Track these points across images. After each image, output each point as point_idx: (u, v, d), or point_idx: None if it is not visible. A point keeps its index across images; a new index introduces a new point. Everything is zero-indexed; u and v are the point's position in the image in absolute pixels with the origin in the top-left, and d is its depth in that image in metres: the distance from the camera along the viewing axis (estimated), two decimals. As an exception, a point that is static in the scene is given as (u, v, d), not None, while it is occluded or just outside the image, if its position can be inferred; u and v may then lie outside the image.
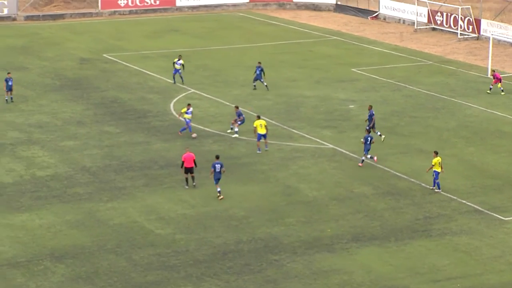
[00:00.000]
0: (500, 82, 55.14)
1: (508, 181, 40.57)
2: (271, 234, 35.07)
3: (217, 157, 39.03)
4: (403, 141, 46.49)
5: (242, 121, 46.77)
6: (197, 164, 39.81)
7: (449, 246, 34.10)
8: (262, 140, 44.20)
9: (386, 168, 42.28)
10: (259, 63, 56.38)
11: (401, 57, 65.96)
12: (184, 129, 46.97)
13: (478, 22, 71.00)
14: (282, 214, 37.02)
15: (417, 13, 75.69)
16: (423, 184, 40.18)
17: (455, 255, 33.36)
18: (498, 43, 66.94)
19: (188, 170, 39.45)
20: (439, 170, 39.20)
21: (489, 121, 49.92)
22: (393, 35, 73.58)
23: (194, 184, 39.63)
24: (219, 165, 38.53)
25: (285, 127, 48.56)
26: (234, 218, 36.62)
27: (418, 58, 65.49)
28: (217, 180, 38.61)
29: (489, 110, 51.95)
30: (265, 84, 55.81)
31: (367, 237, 34.89)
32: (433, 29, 74.88)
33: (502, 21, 70.57)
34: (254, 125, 44.17)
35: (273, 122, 49.29)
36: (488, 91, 55.13)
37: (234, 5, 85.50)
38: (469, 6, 72.89)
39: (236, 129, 46.77)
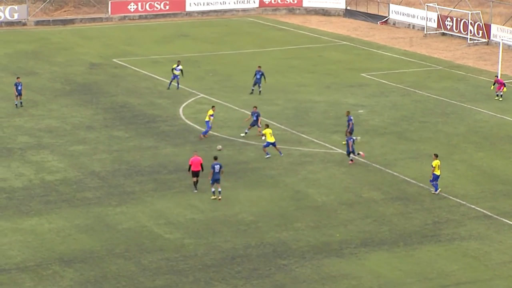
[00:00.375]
0: (505, 86, 54.88)
1: (518, 186, 40.49)
2: (280, 239, 35.06)
3: (215, 158, 39.28)
4: (412, 146, 46.43)
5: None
6: (206, 168, 39.83)
7: (458, 251, 34.02)
8: (271, 147, 44.20)
9: (396, 173, 42.23)
10: (259, 67, 56.43)
11: (410, 62, 65.91)
12: (206, 131, 47.32)
13: (488, 27, 70.90)
14: (291, 219, 37.01)
15: (426, 18, 75.62)
16: (431, 190, 40.08)
17: (464, 260, 33.28)
18: (508, 48, 66.82)
19: (195, 174, 39.53)
20: (438, 173, 39.22)
21: (499, 127, 49.80)
22: (403, 40, 73.54)
23: (195, 190, 39.68)
24: (218, 165, 38.72)
25: (294, 132, 48.54)
26: (242, 223, 36.63)
27: (428, 63, 65.42)
28: (216, 180, 38.82)
29: (499, 115, 51.83)
30: (260, 90, 55.80)
31: (376, 242, 34.84)
32: (443, 34, 74.79)
33: (512, 26, 70.52)
34: (264, 133, 44.23)
35: (282, 127, 49.30)
36: (498, 98, 54.91)
37: (244, 10, 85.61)
38: (479, 11, 72.78)
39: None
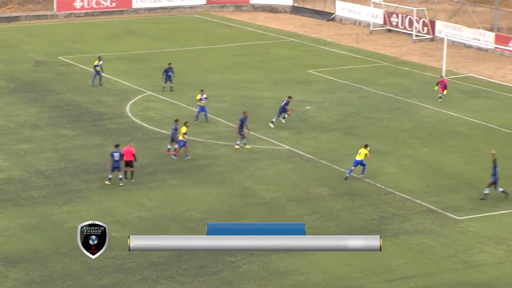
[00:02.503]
0: (445, 89, 53.55)
1: (462, 181, 40.94)
2: (227, 236, 35.02)
3: (116, 146, 39.92)
4: (359, 142, 46.62)
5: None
6: (146, 162, 39.76)
7: (404, 245, 34.34)
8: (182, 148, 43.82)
9: (342, 169, 42.45)
10: (170, 64, 56.49)
11: (357, 59, 66.30)
12: (198, 116, 49.18)
13: (433, 24, 71.61)
14: (239, 216, 37.05)
15: (372, 14, 76.14)
16: (378, 185, 40.44)
17: (410, 254, 33.61)
18: (452, 44, 67.55)
19: (128, 164, 40.03)
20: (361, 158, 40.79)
21: (444, 122, 50.34)
22: (349, 37, 73.95)
23: (132, 180, 40.01)
24: (117, 153, 39.25)
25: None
26: (190, 220, 36.58)
27: (374, 60, 65.89)
28: (115, 168, 39.44)
29: (443, 111, 52.37)
30: (171, 85, 55.83)
31: (323, 238, 34.93)
32: (389, 30, 75.38)
33: (456, 23, 71.26)
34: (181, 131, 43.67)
35: (230, 124, 49.30)
36: (440, 100, 53.90)
37: (191, 7, 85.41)
38: (424, 8, 73.47)
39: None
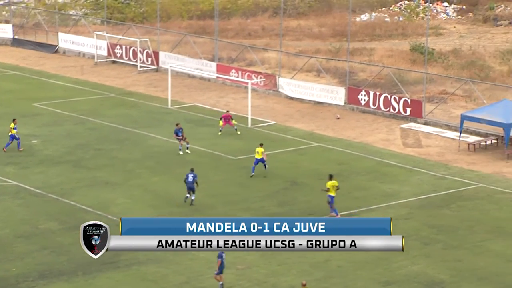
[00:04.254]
0: (232, 119, 53.56)
1: (191, 209, 41.63)
2: (-47, 279, 33.54)
3: None
4: (88, 174, 46.39)
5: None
6: None
7: (137, 276, 34.38)
8: None
9: (72, 202, 41.96)
10: None
11: (83, 91, 65.85)
12: (8, 144, 48.80)
13: (156, 55, 72.66)
14: (-36, 257, 35.53)
15: (96, 46, 76.00)
16: (109, 216, 40.25)
17: (143, 284, 33.71)
18: (176, 74, 68.85)
19: None
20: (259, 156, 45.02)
21: (172, 151, 51.05)
22: (74, 69, 73.35)
23: None
24: None
25: (-36, 165, 46.77)
26: None
27: (100, 91, 65.74)
28: None
29: (171, 140, 53.11)
30: None
31: (54, 273, 34.30)
32: (114, 62, 75.56)
33: (179, 53, 72.73)
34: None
35: (-49, 161, 47.36)
36: (220, 133, 53.87)
37: None
38: (147, 39, 74.35)
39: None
